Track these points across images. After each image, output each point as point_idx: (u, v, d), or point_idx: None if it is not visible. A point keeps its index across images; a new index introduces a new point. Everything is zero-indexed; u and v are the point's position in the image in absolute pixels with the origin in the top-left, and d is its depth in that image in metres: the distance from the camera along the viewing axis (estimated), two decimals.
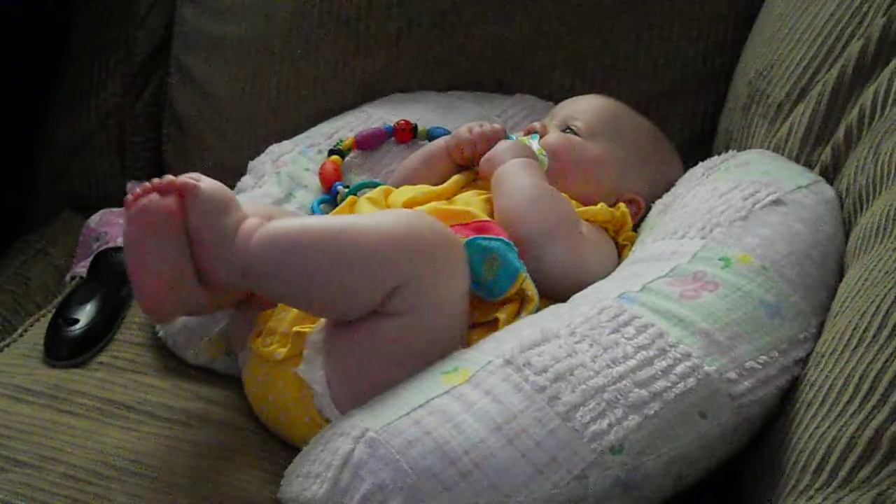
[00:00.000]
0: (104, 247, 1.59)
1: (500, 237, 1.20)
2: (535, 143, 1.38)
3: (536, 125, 1.42)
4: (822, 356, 1.02)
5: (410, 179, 1.43)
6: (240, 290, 1.21)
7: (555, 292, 1.20)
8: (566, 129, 1.42)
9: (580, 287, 1.19)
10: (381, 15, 1.66)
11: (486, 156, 1.35)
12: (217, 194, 1.12)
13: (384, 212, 1.19)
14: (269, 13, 1.71)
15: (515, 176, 1.30)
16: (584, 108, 1.45)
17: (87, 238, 1.65)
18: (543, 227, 1.24)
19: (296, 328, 1.18)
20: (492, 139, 1.39)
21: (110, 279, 1.47)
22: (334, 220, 1.15)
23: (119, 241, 1.61)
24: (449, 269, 1.14)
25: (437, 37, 1.67)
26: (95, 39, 1.83)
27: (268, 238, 1.09)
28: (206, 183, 1.12)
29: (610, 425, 0.99)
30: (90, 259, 1.54)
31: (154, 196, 1.11)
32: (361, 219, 1.16)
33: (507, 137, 1.41)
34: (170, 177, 1.12)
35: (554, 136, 1.40)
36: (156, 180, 1.12)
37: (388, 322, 1.11)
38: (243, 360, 1.26)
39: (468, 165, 1.42)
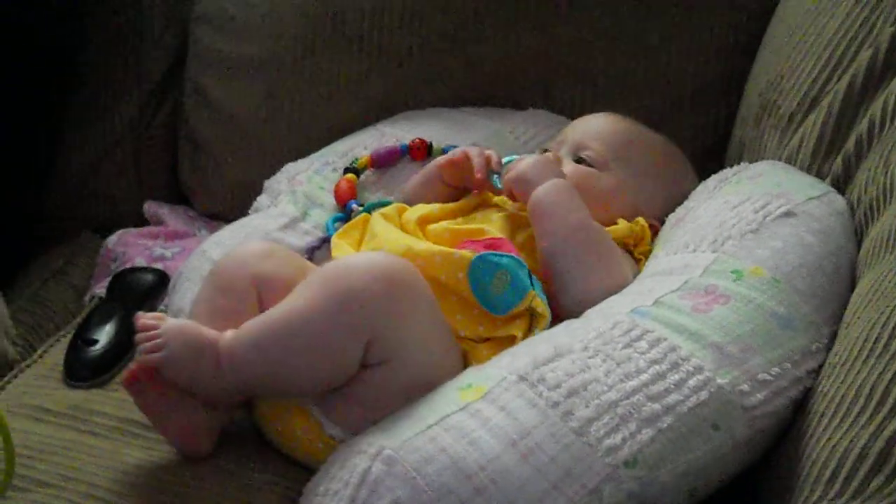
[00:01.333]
0: (122, 267, 1.61)
1: (510, 254, 1.20)
2: None
3: (549, 157, 1.38)
4: (834, 367, 1.02)
5: (410, 201, 1.43)
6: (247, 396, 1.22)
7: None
8: (578, 159, 1.40)
9: None
10: (393, 32, 1.67)
11: (516, 174, 1.31)
12: (181, 352, 1.13)
13: (326, 276, 1.16)
14: (281, 32, 1.72)
15: (563, 211, 1.27)
16: (596, 133, 1.43)
17: (105, 259, 1.67)
18: (594, 267, 1.24)
19: None
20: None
21: (129, 299, 1.48)
22: (291, 304, 1.14)
23: (137, 262, 1.62)
24: (413, 306, 1.14)
25: (449, 53, 1.68)
26: (110, 60, 1.84)
27: (239, 354, 1.12)
28: (168, 351, 1.13)
29: (624, 439, 0.99)
30: (108, 279, 1.56)
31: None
32: (311, 292, 1.14)
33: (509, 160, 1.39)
34: (132, 365, 1.16)
35: (568, 168, 1.38)
36: (125, 372, 1.16)
37: (375, 371, 1.12)
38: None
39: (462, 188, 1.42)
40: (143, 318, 1.16)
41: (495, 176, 1.36)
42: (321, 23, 1.70)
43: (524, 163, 1.32)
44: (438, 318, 1.18)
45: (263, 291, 1.23)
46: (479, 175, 1.36)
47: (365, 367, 1.12)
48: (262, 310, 1.20)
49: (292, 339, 1.11)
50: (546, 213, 1.28)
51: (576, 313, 1.19)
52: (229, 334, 1.14)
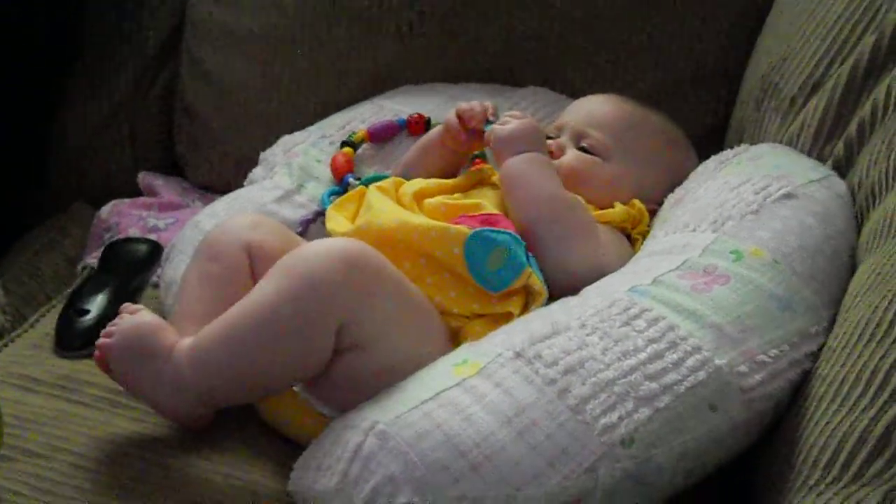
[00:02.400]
0: (115, 237, 1.60)
1: (508, 230, 1.20)
2: None
3: (552, 145, 1.38)
4: (834, 351, 1.02)
5: (408, 171, 1.42)
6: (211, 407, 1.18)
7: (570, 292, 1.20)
8: (581, 146, 1.39)
9: None
10: (394, 6, 1.66)
11: (498, 131, 1.31)
12: (126, 347, 1.13)
13: (286, 267, 1.13)
14: (280, 4, 1.71)
15: (532, 181, 1.27)
16: (598, 118, 1.41)
17: (98, 229, 1.66)
18: (563, 235, 1.24)
19: None
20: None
21: (121, 270, 1.48)
22: (254, 298, 1.12)
23: (131, 232, 1.61)
24: (378, 287, 1.12)
25: (449, 29, 1.67)
26: (106, 31, 1.83)
27: (203, 356, 1.10)
28: (116, 340, 1.13)
29: (620, 418, 0.98)
30: (101, 250, 1.55)
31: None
32: (273, 284, 1.12)
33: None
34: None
35: (570, 156, 1.38)
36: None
37: (350, 356, 1.11)
38: None
39: (464, 154, 1.41)
40: (124, 308, 1.16)
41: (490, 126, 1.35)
42: None
43: (511, 126, 1.31)
44: (409, 297, 1.16)
45: (255, 259, 1.23)
46: (472, 124, 1.35)
47: (339, 353, 1.11)
48: (252, 278, 1.20)
49: (260, 333, 1.09)
50: (515, 184, 1.28)
51: (561, 285, 1.19)
52: (188, 340, 1.12)
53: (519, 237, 1.20)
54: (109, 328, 1.14)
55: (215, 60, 1.76)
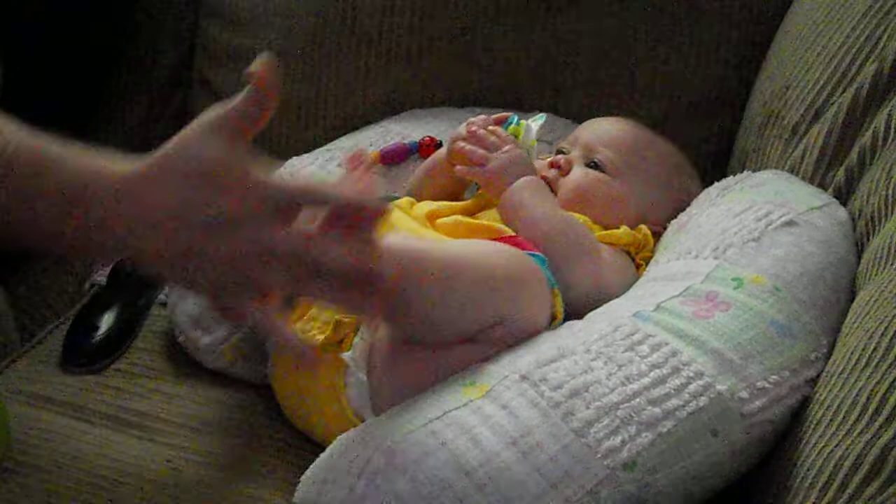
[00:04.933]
0: None
1: (535, 252, 1.21)
2: (534, 128, 1.39)
3: (560, 160, 1.41)
4: (832, 375, 1.03)
5: (413, 193, 1.43)
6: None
7: (574, 314, 1.21)
8: (590, 162, 1.41)
9: None
10: (403, 31, 1.68)
11: (487, 169, 1.33)
12: None
13: (488, 243, 1.18)
14: (289, 28, 1.73)
15: (529, 207, 1.30)
16: (608, 138, 1.43)
17: None
18: (565, 256, 1.25)
19: (338, 317, 1.18)
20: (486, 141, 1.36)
21: (129, 287, 1.48)
22: (456, 243, 1.14)
23: None
24: (542, 303, 1.16)
25: (457, 53, 1.69)
26: (119, 57, 1.85)
27: (407, 252, 1.06)
28: None
29: (623, 442, 1.00)
30: (109, 267, 1.55)
31: None
32: (496, 247, 1.16)
33: (508, 123, 1.40)
34: None
35: (579, 172, 1.40)
36: None
37: (473, 347, 1.11)
38: (271, 345, 1.27)
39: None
40: None
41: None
42: (332, 19, 1.71)
43: (499, 160, 1.33)
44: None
45: None
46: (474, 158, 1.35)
47: (465, 341, 1.11)
48: None
49: (464, 270, 1.09)
50: (514, 212, 1.30)
51: (566, 305, 1.20)
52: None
53: (545, 259, 1.21)
54: None
55: (226, 83, 1.78)
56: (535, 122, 1.41)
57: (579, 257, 1.26)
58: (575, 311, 1.21)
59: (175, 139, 0.94)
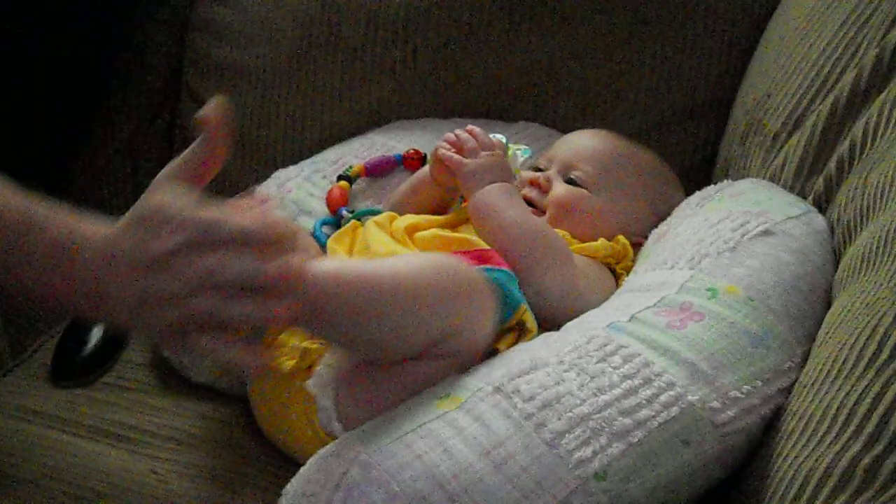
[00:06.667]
0: None
1: (502, 268, 1.21)
2: (520, 157, 1.40)
3: (540, 177, 1.41)
4: (804, 386, 1.03)
5: (398, 207, 1.43)
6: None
7: (553, 324, 1.22)
8: (569, 179, 1.41)
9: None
10: (387, 43, 1.69)
11: (464, 165, 1.33)
12: None
13: (422, 256, 1.18)
14: (276, 40, 1.74)
15: (499, 210, 1.29)
16: (587, 152, 1.43)
17: None
18: (535, 262, 1.25)
19: (305, 343, 1.20)
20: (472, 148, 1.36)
21: None
22: (392, 263, 1.12)
23: None
24: (489, 314, 1.15)
25: (442, 64, 1.69)
26: (109, 72, 1.86)
27: (338, 276, 1.06)
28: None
29: (594, 452, 1.00)
30: None
31: None
32: (425, 260, 1.15)
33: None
34: None
35: (559, 189, 1.40)
36: None
37: (426, 364, 1.12)
38: (248, 374, 1.28)
39: (455, 189, 1.40)
40: None
41: None
42: (317, 32, 1.71)
43: (477, 161, 1.33)
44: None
45: None
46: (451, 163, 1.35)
47: (421, 357, 1.11)
48: None
49: (399, 289, 1.08)
50: (484, 215, 1.30)
51: (539, 313, 1.21)
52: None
53: (513, 274, 1.21)
54: None
55: (213, 95, 1.77)
56: (522, 153, 1.41)
57: (550, 263, 1.26)
58: (552, 321, 1.21)
59: (142, 196, 0.99)
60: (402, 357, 1.11)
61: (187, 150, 1.02)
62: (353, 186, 1.53)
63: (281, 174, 1.58)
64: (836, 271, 1.19)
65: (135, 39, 1.85)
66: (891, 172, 1.12)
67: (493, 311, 1.15)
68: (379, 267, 1.11)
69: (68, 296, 0.98)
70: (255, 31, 1.76)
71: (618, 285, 1.31)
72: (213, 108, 1.02)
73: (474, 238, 1.30)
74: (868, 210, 1.14)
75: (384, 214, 1.38)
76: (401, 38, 1.68)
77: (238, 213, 0.97)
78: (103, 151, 1.85)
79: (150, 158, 1.87)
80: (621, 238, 1.37)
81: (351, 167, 1.54)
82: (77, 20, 1.76)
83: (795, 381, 1.08)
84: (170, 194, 0.97)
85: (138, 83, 1.86)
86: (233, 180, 1.73)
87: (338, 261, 1.13)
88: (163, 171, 1.02)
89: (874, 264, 1.06)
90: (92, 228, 0.98)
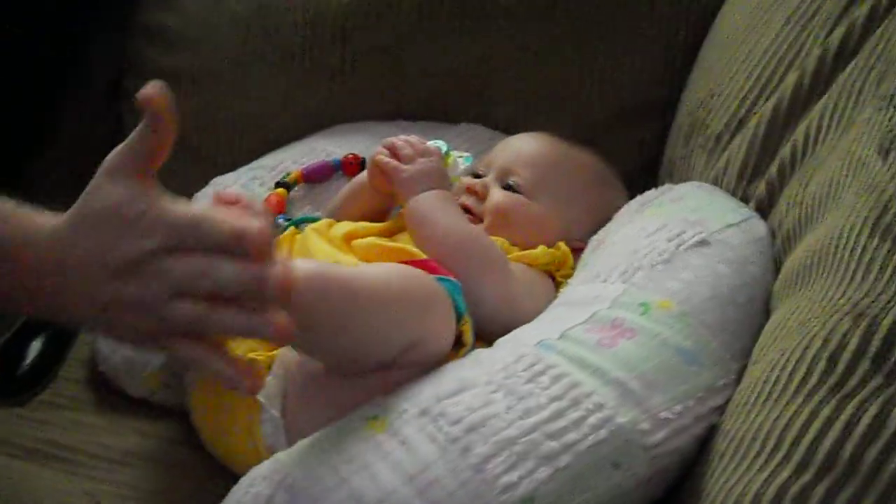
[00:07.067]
0: None
1: (448, 277, 1.19)
2: (461, 165, 1.37)
3: (476, 184, 1.39)
4: (736, 406, 1.00)
5: (336, 214, 1.41)
6: None
7: (489, 333, 1.20)
8: (506, 185, 1.39)
9: (515, 327, 1.18)
10: (325, 45, 1.66)
11: (400, 172, 1.31)
12: None
13: (391, 267, 1.14)
14: (215, 44, 1.71)
15: (433, 218, 1.28)
16: (524, 157, 1.41)
17: None
18: (470, 270, 1.23)
19: (250, 354, 1.17)
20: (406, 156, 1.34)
21: None
22: (371, 269, 1.11)
23: None
24: (450, 323, 1.13)
25: (382, 67, 1.67)
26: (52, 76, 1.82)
27: (320, 278, 1.02)
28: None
29: (521, 477, 0.97)
30: None
31: None
32: (394, 270, 1.12)
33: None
34: None
35: (496, 196, 1.38)
36: None
37: (395, 373, 1.09)
38: (190, 382, 1.26)
39: (392, 195, 1.38)
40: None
41: None
42: (256, 35, 1.69)
43: (414, 167, 1.31)
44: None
45: None
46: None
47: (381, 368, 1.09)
48: None
49: (369, 296, 1.05)
50: (419, 222, 1.28)
51: (478, 322, 1.19)
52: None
53: (458, 284, 1.19)
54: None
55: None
56: (464, 161, 1.38)
57: (484, 271, 1.24)
58: (487, 331, 1.19)
59: (87, 188, 0.95)
60: (375, 365, 1.09)
61: (132, 136, 0.94)
62: (292, 193, 1.51)
63: (219, 181, 1.56)
64: (776, 280, 1.16)
65: (76, 46, 1.82)
66: (829, 181, 1.09)
67: (453, 320, 1.14)
68: (356, 271, 1.09)
69: (18, 296, 0.94)
70: (194, 36, 1.73)
71: (557, 292, 1.29)
72: (155, 88, 0.94)
73: (412, 248, 1.28)
74: (807, 220, 1.11)
75: (322, 221, 1.36)
76: (340, 40, 1.65)
77: (216, 214, 0.91)
78: (49, 158, 1.82)
79: (94, 164, 1.82)
80: (562, 245, 1.35)
81: (288, 173, 1.52)
82: (16, 26, 1.72)
83: (731, 398, 1.05)
84: (126, 190, 0.91)
85: (82, 90, 1.83)
86: (173, 187, 1.70)
87: (316, 263, 1.07)
88: (107, 160, 0.95)
89: (809, 280, 1.03)
90: (41, 222, 0.94)
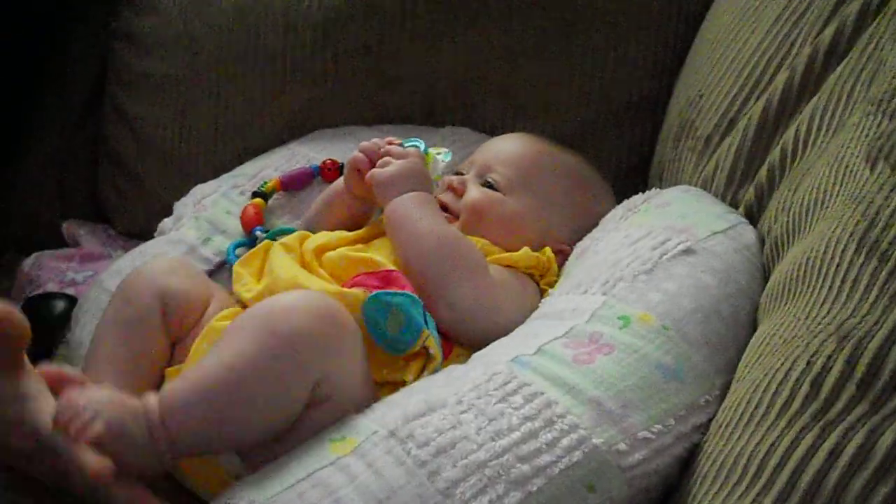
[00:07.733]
0: (34, 292, 1.56)
1: (404, 291, 1.15)
2: (441, 162, 1.33)
3: (454, 181, 1.36)
4: (720, 427, 0.96)
5: (313, 223, 1.38)
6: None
7: (470, 339, 1.17)
8: (485, 182, 1.35)
9: (496, 332, 1.14)
10: (307, 49, 1.63)
11: (378, 174, 1.28)
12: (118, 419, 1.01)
13: (265, 320, 1.06)
14: (195, 49, 1.68)
15: (412, 220, 1.24)
16: (504, 157, 1.38)
17: (20, 282, 1.62)
18: (448, 273, 1.20)
19: None
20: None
21: (35, 328, 1.42)
22: (231, 352, 1.04)
23: (49, 287, 1.57)
24: (352, 344, 1.08)
25: (365, 70, 1.63)
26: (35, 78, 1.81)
27: (179, 412, 1.01)
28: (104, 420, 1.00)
29: (490, 502, 0.93)
30: (19, 306, 1.50)
31: None
32: (252, 336, 1.05)
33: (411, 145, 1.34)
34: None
35: (473, 192, 1.34)
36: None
37: (316, 410, 1.05)
38: None
39: (371, 201, 1.34)
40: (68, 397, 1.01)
41: None
42: (236, 40, 1.66)
43: (392, 169, 1.28)
44: (365, 356, 1.11)
45: (168, 305, 1.20)
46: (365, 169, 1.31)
47: (307, 407, 1.05)
48: (164, 322, 1.19)
49: (239, 390, 1.02)
50: (398, 224, 1.25)
51: (452, 327, 1.17)
52: (153, 398, 1.02)
53: (416, 297, 1.15)
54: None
55: (136, 108, 1.74)
56: (443, 157, 1.34)
57: (461, 274, 1.20)
58: (470, 339, 1.16)
59: None
60: (292, 419, 1.05)
61: None
62: (270, 202, 1.47)
63: (198, 190, 1.52)
64: (764, 288, 1.11)
65: (58, 51, 1.79)
66: (817, 187, 1.04)
67: (357, 343, 1.09)
68: (209, 366, 1.04)
69: None
70: (175, 41, 1.70)
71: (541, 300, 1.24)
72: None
73: (380, 258, 1.24)
74: (795, 227, 1.07)
75: (294, 235, 1.32)
76: (321, 44, 1.62)
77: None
78: (30, 165, 1.79)
79: (76, 170, 1.82)
80: (547, 250, 1.31)
81: (266, 183, 1.48)
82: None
83: (714, 415, 1.01)
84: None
85: (62, 96, 1.81)
86: (159, 194, 1.68)
87: (170, 384, 1.05)
88: None
89: (795, 294, 0.98)
90: None
